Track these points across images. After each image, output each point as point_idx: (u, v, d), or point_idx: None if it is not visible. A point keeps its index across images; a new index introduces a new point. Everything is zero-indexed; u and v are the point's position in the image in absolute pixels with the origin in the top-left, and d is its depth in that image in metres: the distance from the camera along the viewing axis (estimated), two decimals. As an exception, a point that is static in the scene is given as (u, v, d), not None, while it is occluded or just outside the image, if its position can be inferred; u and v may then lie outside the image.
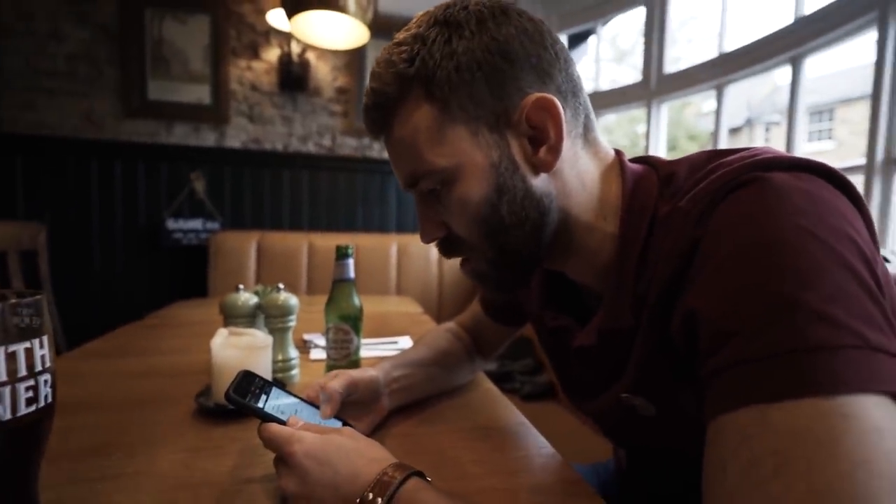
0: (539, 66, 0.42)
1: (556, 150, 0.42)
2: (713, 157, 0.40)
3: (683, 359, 0.36)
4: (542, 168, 0.43)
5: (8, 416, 0.29)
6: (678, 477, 0.52)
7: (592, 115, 0.47)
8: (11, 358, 0.29)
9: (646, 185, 0.43)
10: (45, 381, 0.31)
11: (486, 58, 0.41)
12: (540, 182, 0.43)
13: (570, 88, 0.44)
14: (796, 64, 1.49)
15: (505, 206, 0.43)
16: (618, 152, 0.49)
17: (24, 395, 0.29)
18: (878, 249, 0.33)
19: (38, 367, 0.31)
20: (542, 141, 0.42)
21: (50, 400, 0.32)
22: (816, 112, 12.63)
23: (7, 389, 0.28)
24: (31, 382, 0.30)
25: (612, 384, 0.46)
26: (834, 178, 0.34)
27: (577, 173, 0.45)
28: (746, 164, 0.35)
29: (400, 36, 0.44)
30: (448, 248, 0.49)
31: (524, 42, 0.42)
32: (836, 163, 0.37)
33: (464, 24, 0.41)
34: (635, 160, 0.49)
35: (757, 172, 0.34)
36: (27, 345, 0.30)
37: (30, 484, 0.33)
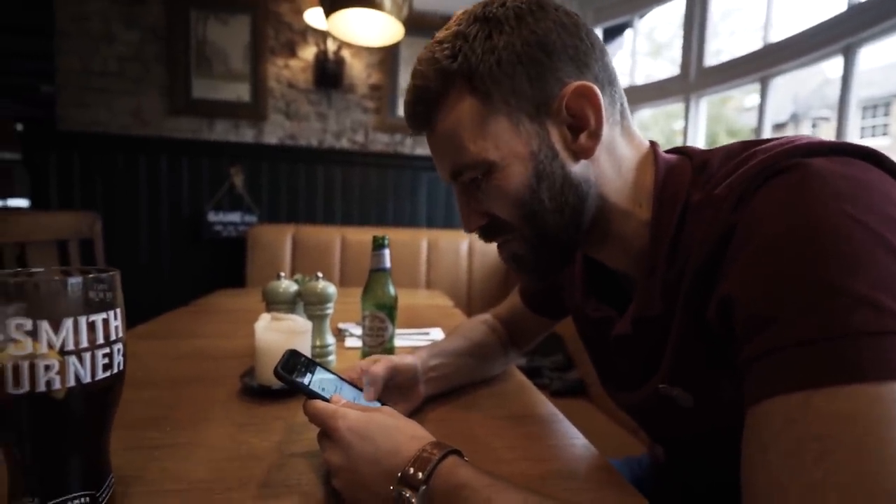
0: (576, 56, 0.43)
1: (596, 136, 0.43)
2: (749, 145, 0.40)
3: (720, 346, 0.36)
4: (583, 154, 0.44)
5: (88, 378, 0.32)
6: (719, 471, 0.51)
7: (626, 105, 0.48)
8: (91, 327, 0.32)
9: (679, 172, 0.44)
10: (118, 350, 0.34)
11: (525, 51, 0.42)
12: (579, 168, 0.44)
13: (607, 77, 0.45)
14: (849, 55, 1.41)
15: (545, 192, 0.44)
16: (652, 143, 0.49)
17: (101, 361, 0.32)
18: None
19: (113, 337, 0.33)
20: (581, 128, 0.43)
21: (122, 367, 0.35)
22: (871, 106, 11.89)
23: (88, 355, 0.31)
24: (107, 350, 0.33)
25: (650, 375, 0.47)
26: (878, 161, 0.33)
27: (614, 160, 0.46)
28: (785, 150, 0.35)
29: (441, 35, 0.45)
30: (489, 234, 0.50)
31: (561, 34, 0.43)
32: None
33: (503, 20, 0.43)
34: (671, 150, 0.49)
35: (797, 158, 0.33)
36: (104, 315, 0.33)
37: (103, 443, 0.36)
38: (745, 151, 0.39)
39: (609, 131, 0.45)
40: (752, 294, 0.31)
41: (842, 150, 0.34)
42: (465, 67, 0.43)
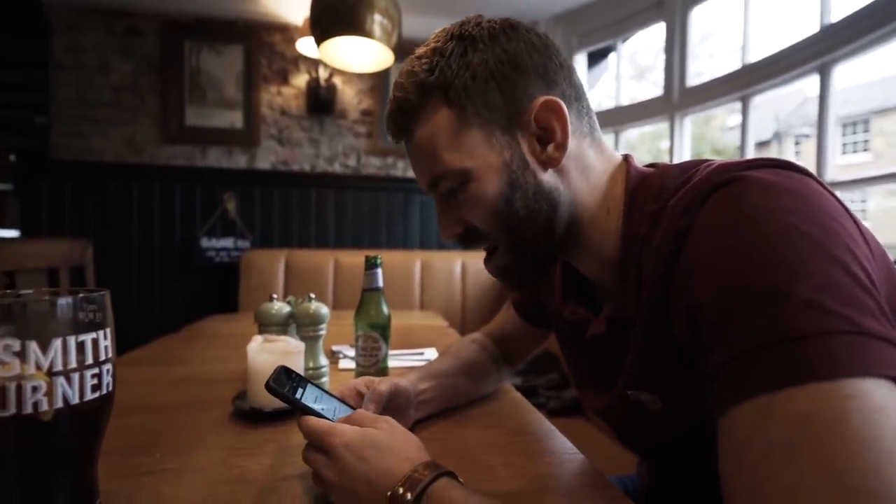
0: (545, 74, 0.46)
1: (562, 147, 0.46)
2: (702, 161, 0.43)
3: (688, 352, 0.37)
4: (550, 164, 0.47)
5: (76, 400, 0.31)
6: (701, 492, 0.51)
7: (595, 118, 0.51)
8: (80, 347, 0.32)
9: (649, 184, 0.46)
10: (107, 371, 0.34)
11: (498, 68, 0.45)
12: (549, 177, 0.47)
13: (573, 93, 0.48)
14: (824, 73, 1.47)
15: (518, 201, 0.46)
16: (626, 156, 0.52)
17: (90, 382, 0.32)
18: (869, 245, 0.33)
19: (102, 357, 0.33)
20: (549, 139, 0.46)
21: (111, 388, 0.34)
22: (851, 123, 12.21)
23: (76, 375, 0.31)
24: (96, 370, 0.33)
25: (619, 378, 0.48)
26: (806, 173, 0.36)
27: (583, 169, 0.49)
28: (728, 164, 0.37)
29: (420, 50, 0.48)
30: (467, 241, 0.52)
31: (531, 53, 0.46)
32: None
33: (478, 39, 0.46)
34: (647, 166, 0.52)
35: (739, 172, 0.35)
36: (94, 335, 0.33)
37: (91, 467, 0.35)
38: (697, 166, 0.42)
39: (577, 143, 0.48)
40: (710, 305, 0.33)
41: (781, 165, 0.36)
42: (442, 81, 0.45)
